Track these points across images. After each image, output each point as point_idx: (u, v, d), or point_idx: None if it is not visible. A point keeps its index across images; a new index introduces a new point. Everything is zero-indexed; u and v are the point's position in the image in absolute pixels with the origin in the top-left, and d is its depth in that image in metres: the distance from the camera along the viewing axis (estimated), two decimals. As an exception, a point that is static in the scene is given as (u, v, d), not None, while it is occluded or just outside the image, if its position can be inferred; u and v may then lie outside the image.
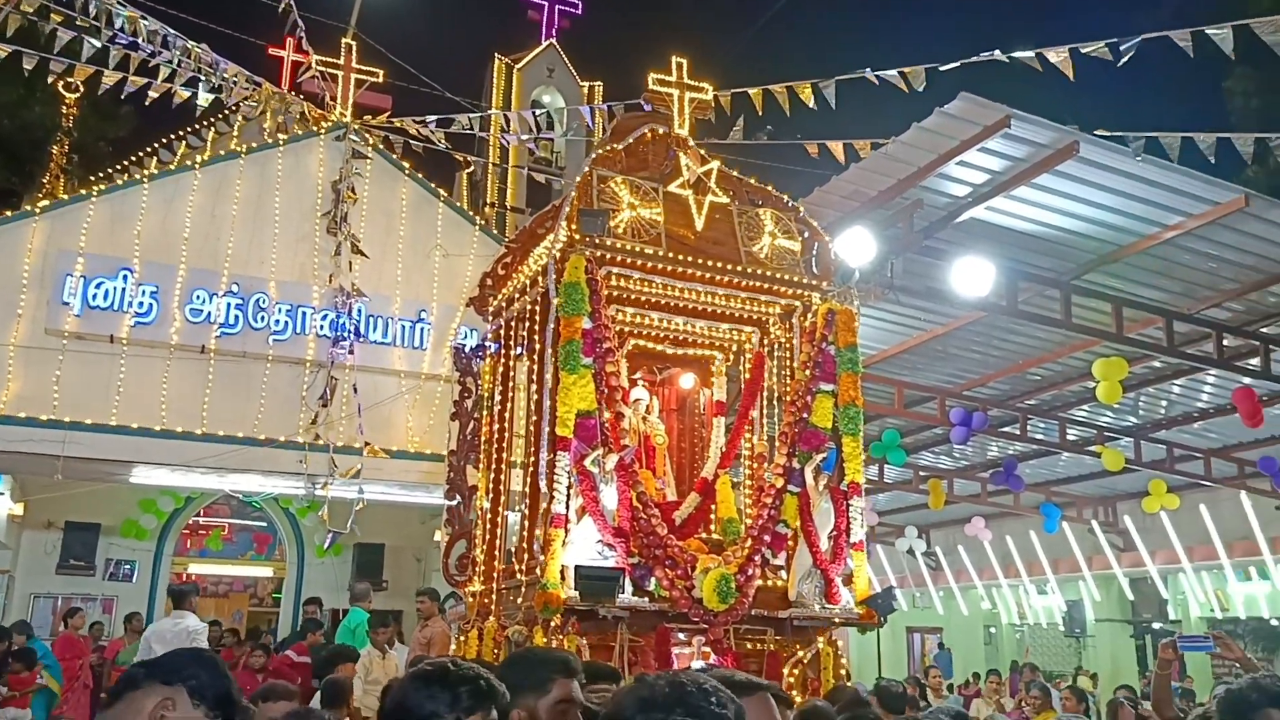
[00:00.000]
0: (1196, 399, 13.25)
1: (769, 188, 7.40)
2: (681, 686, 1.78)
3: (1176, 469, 15.08)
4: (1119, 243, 9.03)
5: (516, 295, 7.36)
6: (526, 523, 6.57)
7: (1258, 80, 13.18)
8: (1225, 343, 10.53)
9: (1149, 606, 19.04)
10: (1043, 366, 12.33)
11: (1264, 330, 10.61)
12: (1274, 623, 18.40)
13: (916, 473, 16.96)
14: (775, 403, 7.27)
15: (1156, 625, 20.02)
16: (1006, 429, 14.09)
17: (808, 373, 6.86)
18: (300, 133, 12.47)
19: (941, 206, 8.54)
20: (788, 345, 7.23)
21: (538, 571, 5.95)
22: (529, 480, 6.58)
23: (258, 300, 11.35)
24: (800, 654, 6.46)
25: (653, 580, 6.08)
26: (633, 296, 6.78)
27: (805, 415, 6.79)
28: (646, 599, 5.98)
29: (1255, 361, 10.70)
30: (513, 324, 7.37)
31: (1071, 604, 19.63)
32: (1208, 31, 6.00)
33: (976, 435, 13.65)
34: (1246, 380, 11.07)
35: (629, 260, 6.54)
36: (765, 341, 7.32)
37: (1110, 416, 14.10)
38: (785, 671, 6.38)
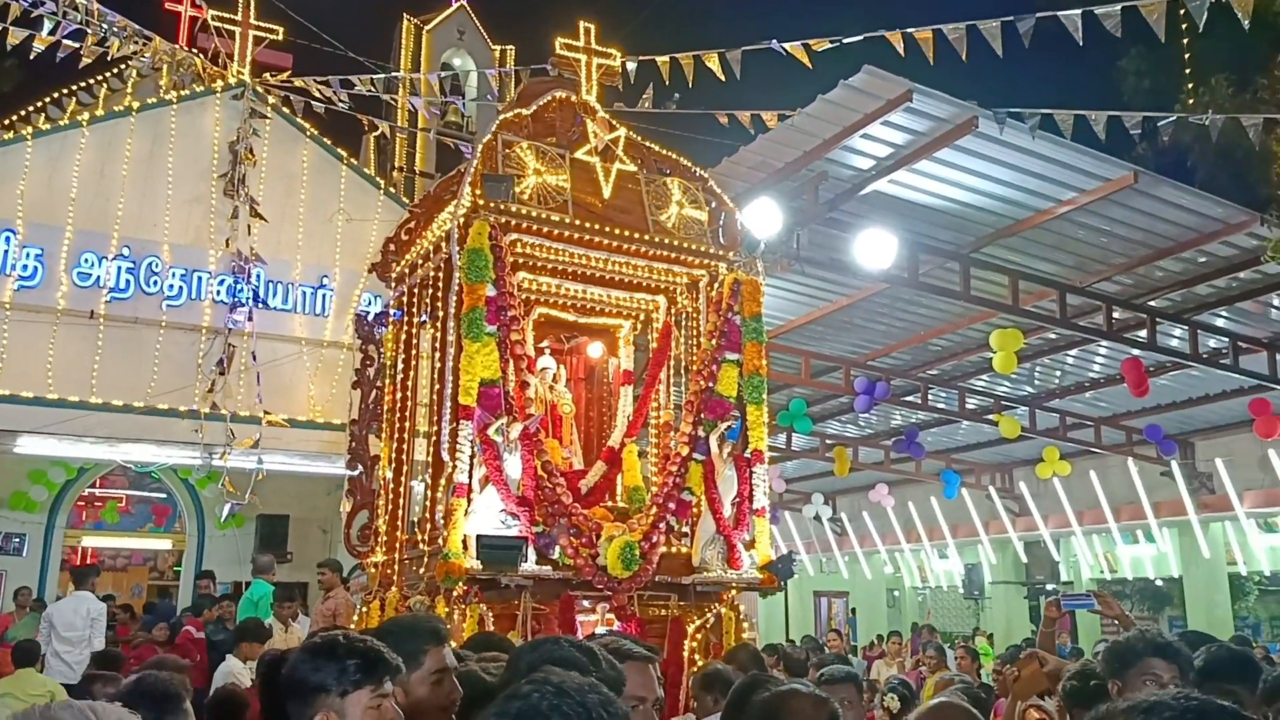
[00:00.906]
0: (1088, 369, 13.78)
1: (677, 157, 7.38)
2: (581, 648, 1.79)
3: (1069, 437, 15.69)
4: (1015, 217, 9.29)
5: (420, 261, 7.23)
6: (430, 492, 6.49)
7: (1150, 61, 13.66)
8: (1115, 315, 10.96)
9: (1042, 569, 19.81)
10: (943, 337, 12.66)
11: (1151, 303, 11.06)
12: (1158, 583, 19.31)
13: (823, 441, 17.31)
14: (682, 372, 7.30)
15: (1049, 587, 20.87)
16: (909, 398, 14.46)
17: (713, 342, 6.88)
18: (196, 90, 11.99)
19: (846, 179, 8.65)
20: (694, 314, 7.25)
21: (440, 541, 5.89)
22: (432, 450, 6.49)
23: (150, 264, 10.93)
24: (703, 619, 6.53)
25: (557, 549, 6.07)
26: (539, 264, 6.71)
27: (711, 384, 6.83)
28: (550, 567, 5.96)
29: (1142, 333, 11.16)
30: (416, 291, 7.23)
31: (970, 567, 20.31)
32: (1096, 13, 6.16)
33: (880, 404, 13.98)
34: (1135, 351, 11.55)
35: (534, 227, 6.46)
36: (672, 310, 7.32)
37: (1008, 386, 14.57)
38: (688, 636, 6.46)
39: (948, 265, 10.02)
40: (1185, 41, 8.29)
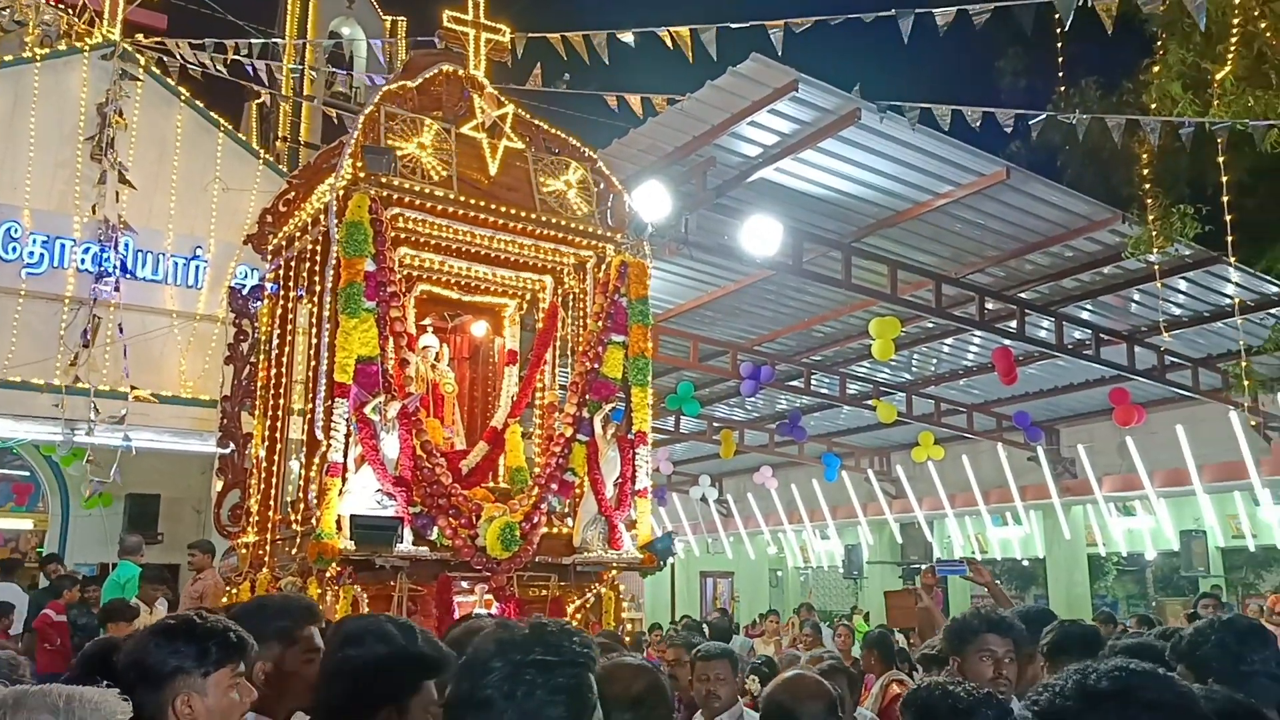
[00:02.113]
0: (963, 358, 14.31)
1: (566, 136, 7.33)
2: (542, 627, 1.78)
3: (943, 422, 16.29)
4: (895, 208, 9.55)
5: (298, 234, 7.01)
6: (304, 472, 6.33)
7: (1027, 61, 14.24)
8: (987, 306, 11.39)
9: (916, 549, 20.53)
10: (826, 324, 12.96)
11: (1021, 295, 11.54)
12: (1024, 563, 20.23)
13: (710, 424, 17.55)
14: (568, 353, 7.28)
15: (923, 566, 21.66)
16: (793, 383, 14.76)
17: (599, 324, 6.88)
18: (62, 49, 11.34)
19: (734, 165, 8.75)
20: (581, 296, 7.23)
21: (313, 522, 5.76)
22: (307, 428, 6.32)
23: (9, 229, 10.31)
24: (583, 599, 6.56)
25: (435, 529, 6.00)
26: (421, 240, 6.58)
27: (596, 366, 6.83)
28: (427, 548, 5.89)
29: (1013, 324, 11.64)
30: (293, 264, 7.01)
31: (850, 548, 20.91)
32: (969, 11, 6.36)
33: (765, 388, 14.24)
34: (1006, 341, 12.03)
35: (417, 202, 6.33)
36: (559, 291, 7.29)
37: (887, 372, 15.02)
38: (568, 615, 6.47)
39: (831, 254, 10.25)
40: (1059, 44, 8.60)
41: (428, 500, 6.00)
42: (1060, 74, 8.78)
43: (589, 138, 7.51)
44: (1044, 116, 7.08)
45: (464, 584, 6.13)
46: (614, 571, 6.69)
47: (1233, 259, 9.04)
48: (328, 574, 5.70)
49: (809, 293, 11.73)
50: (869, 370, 14.82)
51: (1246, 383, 10.14)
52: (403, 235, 6.44)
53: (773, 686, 3.06)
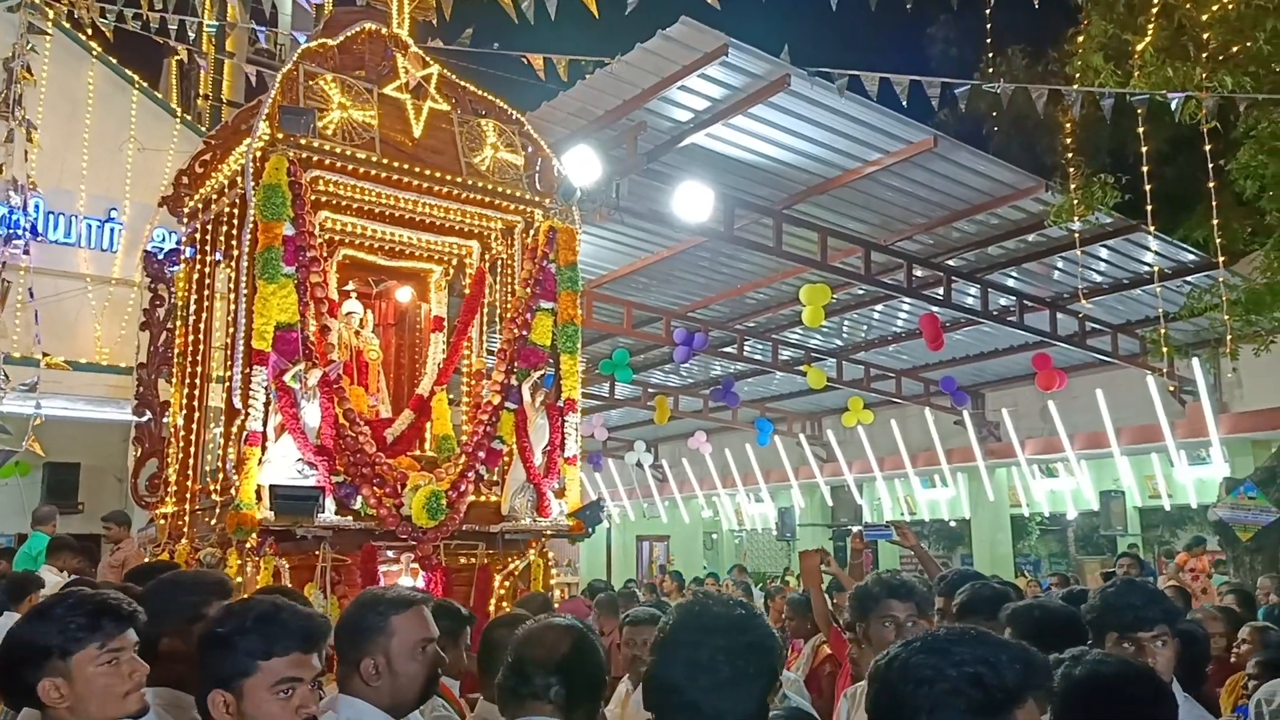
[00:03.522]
0: (892, 324, 14.51)
1: (494, 99, 7.19)
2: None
3: (872, 387, 16.55)
4: (825, 175, 9.60)
5: (215, 196, 6.79)
6: (222, 441, 6.18)
7: (956, 29, 14.36)
8: (915, 273, 11.55)
9: (846, 512, 20.90)
10: (759, 291, 13.03)
11: (948, 262, 11.71)
12: (951, 524, 20.72)
13: (645, 390, 17.59)
14: (496, 319, 7.20)
15: (853, 529, 22.06)
16: (726, 349, 14.84)
17: (528, 290, 6.80)
18: (-36, -2, 10.80)
19: (665, 130, 8.69)
20: (509, 261, 7.14)
21: (232, 492, 5.63)
22: (227, 396, 6.17)
23: (-92, 189, 9.84)
24: (511, 566, 6.54)
25: (359, 499, 5.91)
26: (343, 203, 6.43)
27: (524, 332, 6.76)
28: (351, 518, 5.81)
29: (940, 291, 11.82)
30: (210, 227, 6.79)
31: (782, 511, 21.19)
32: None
33: (699, 355, 14.30)
34: (933, 308, 12.22)
35: (339, 164, 6.17)
36: (486, 256, 7.19)
37: (819, 339, 15.18)
38: (496, 584, 6.45)
39: (762, 221, 10.27)
40: (987, 12, 8.66)
41: (351, 469, 5.90)
42: (988, 42, 8.82)
43: (517, 101, 7.38)
44: (969, 86, 7.13)
45: (389, 553, 6.06)
46: (543, 539, 6.67)
47: (1151, 227, 9.28)
48: (248, 545, 5.59)
49: (741, 259, 11.77)
50: (801, 336, 14.96)
51: (1163, 349, 10.44)
52: (323, 198, 6.28)
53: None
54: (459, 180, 6.62)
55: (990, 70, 9.37)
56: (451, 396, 7.53)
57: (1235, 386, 14.58)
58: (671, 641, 1.82)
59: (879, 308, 13.55)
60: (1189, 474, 15.29)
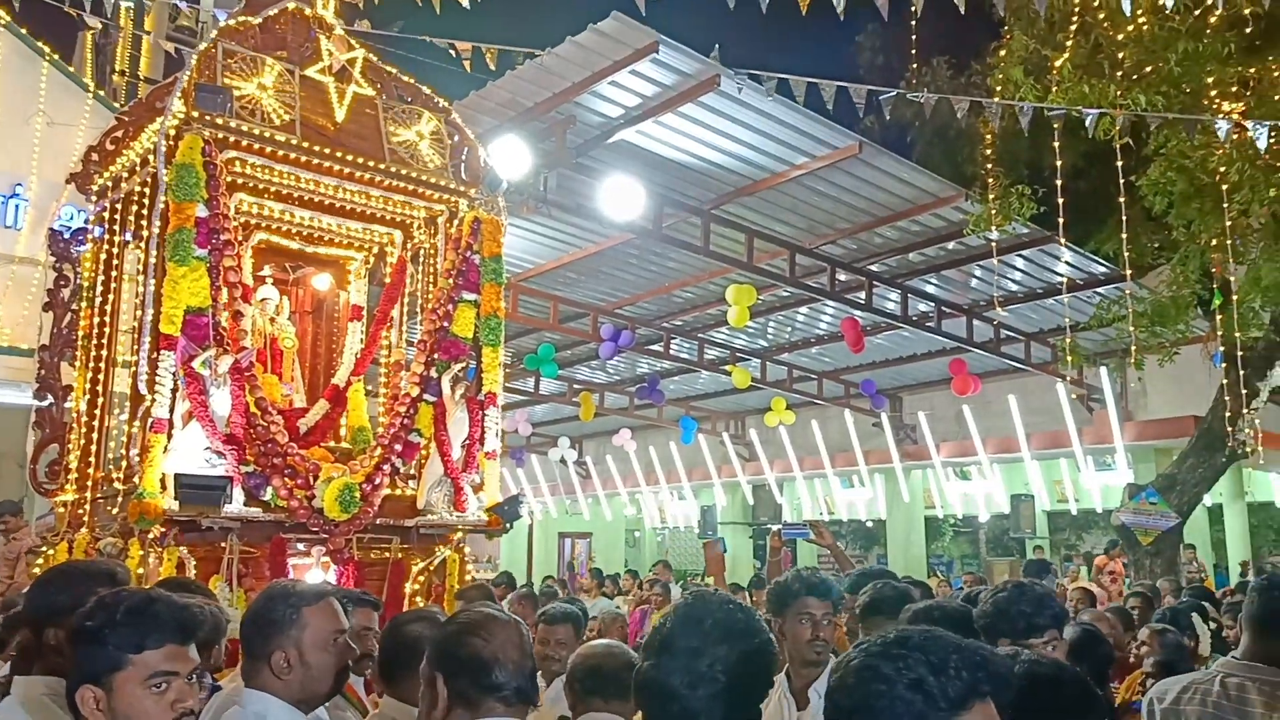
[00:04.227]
0: (816, 326, 14.70)
1: (420, 86, 7.07)
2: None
3: (795, 388, 16.76)
4: (753, 177, 9.67)
5: (125, 174, 6.55)
6: (127, 427, 5.97)
7: (884, 39, 14.60)
8: (839, 277, 11.72)
9: (767, 510, 21.14)
10: (686, 289, 13.08)
11: (870, 267, 11.91)
12: (868, 524, 21.10)
13: (570, 386, 17.54)
14: (417, 310, 7.09)
15: (773, 527, 22.32)
16: (653, 347, 14.88)
17: (450, 281, 6.70)
18: None
19: (595, 125, 8.66)
20: (432, 251, 7.03)
21: (135, 480, 5.45)
22: (132, 381, 5.96)
23: None
24: (426, 562, 6.44)
25: (269, 490, 5.76)
26: (261, 186, 6.25)
27: (446, 324, 6.65)
28: (260, 509, 5.66)
29: (862, 295, 12.01)
30: (120, 206, 6.55)
31: (705, 509, 21.32)
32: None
33: (625, 352, 14.31)
34: (855, 312, 12.42)
35: (257, 146, 5.99)
36: (408, 245, 7.07)
37: (745, 339, 15.31)
38: (410, 579, 6.35)
39: (690, 220, 10.31)
40: (914, 23, 8.81)
41: (261, 459, 5.75)
42: (914, 53, 8.98)
43: (445, 89, 7.27)
44: (895, 94, 7.24)
45: (300, 546, 5.92)
46: (459, 534, 6.59)
47: (1064, 239, 9.54)
48: (150, 535, 5.41)
49: (670, 258, 11.80)
50: (727, 336, 15.07)
51: (1072, 357, 10.75)
52: (240, 181, 6.10)
53: (577, 654, 3.12)
54: (382, 167, 6.49)
55: (915, 80, 9.54)
56: (369, 387, 7.40)
57: (1140, 396, 15.13)
58: (671, 647, 1.74)
59: (803, 310, 13.72)
60: (1095, 479, 15.81)
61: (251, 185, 6.20)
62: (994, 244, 9.64)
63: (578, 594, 12.65)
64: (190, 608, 2.14)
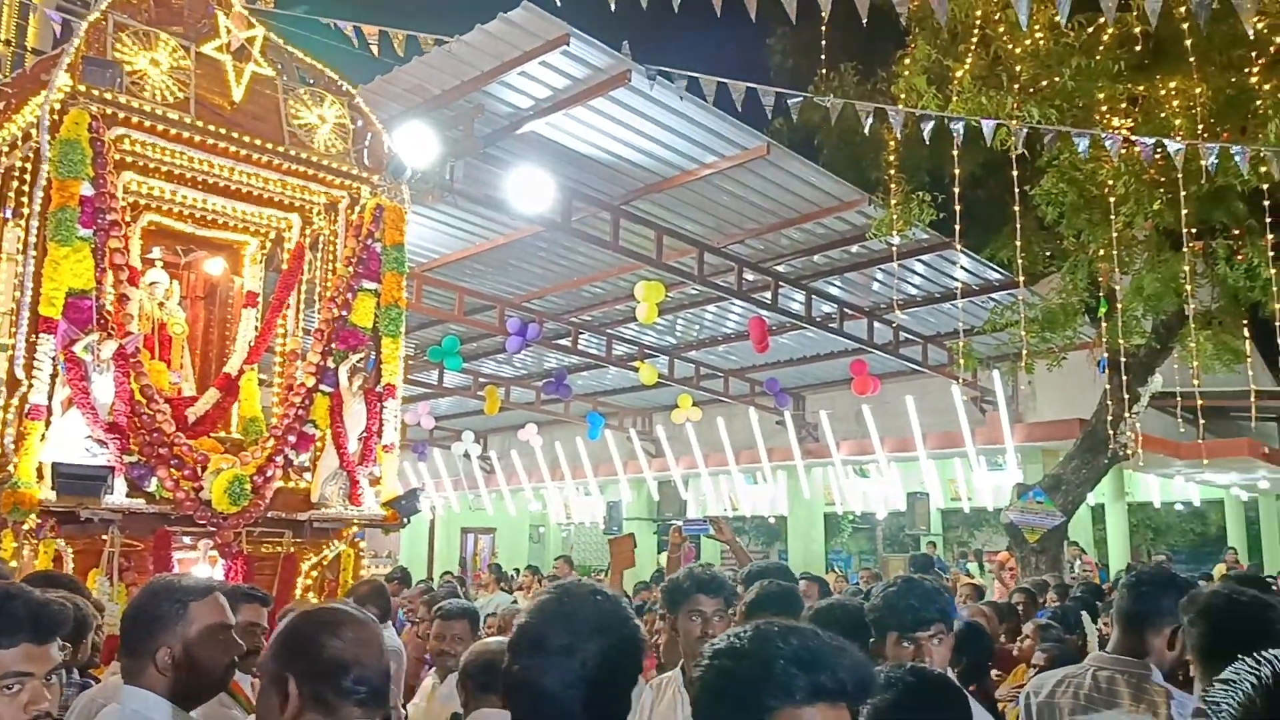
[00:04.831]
0: (724, 325, 14.85)
1: (323, 68, 6.89)
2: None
3: (702, 385, 16.89)
4: (663, 174, 9.70)
5: (6, 149, 6.23)
6: (1, 414, 5.68)
7: (795, 42, 14.80)
8: (746, 276, 11.85)
9: (672, 506, 21.29)
10: (595, 284, 13.06)
11: (776, 268, 12.07)
12: (771, 520, 21.43)
13: (476, 379, 17.36)
14: (315, 298, 6.92)
15: (677, 522, 22.48)
16: (560, 341, 14.81)
17: (350, 269, 6.56)
18: None
19: (504, 115, 8.58)
20: (331, 238, 6.86)
21: (10, 469, 5.19)
22: (9, 365, 5.68)
23: None
24: (319, 556, 6.30)
25: (154, 480, 5.56)
26: (151, 165, 6.02)
27: (344, 313, 6.51)
28: (144, 500, 5.45)
29: (768, 295, 12.17)
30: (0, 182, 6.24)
31: (611, 505, 21.36)
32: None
33: (532, 346, 14.21)
34: (761, 311, 12.57)
35: (147, 123, 5.77)
36: (307, 231, 6.89)
37: (653, 336, 15.37)
38: (303, 574, 6.21)
39: (600, 215, 10.30)
40: (823, 28, 8.93)
41: (146, 449, 5.55)
42: (823, 58, 9.12)
43: (350, 73, 7.10)
44: (802, 98, 7.34)
45: (186, 539, 5.74)
46: (354, 528, 6.46)
47: (961, 245, 9.82)
48: (25, 526, 5.17)
49: (579, 252, 11.76)
50: (636, 333, 15.10)
51: (966, 360, 11.08)
52: (129, 159, 5.87)
53: (471, 651, 3.08)
54: (280, 149, 6.31)
55: (823, 84, 9.68)
56: (263, 377, 7.19)
57: (1030, 399, 15.70)
58: (543, 645, 1.68)
59: (711, 308, 13.84)
60: (987, 479, 16.34)
61: (141, 164, 5.97)
62: (895, 248, 9.86)
63: (476, 590, 12.52)
64: (50, 604, 2.04)
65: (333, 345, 6.42)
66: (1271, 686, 1.18)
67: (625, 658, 1.72)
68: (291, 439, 6.18)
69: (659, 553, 21.65)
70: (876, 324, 13.57)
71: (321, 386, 6.34)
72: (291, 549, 6.18)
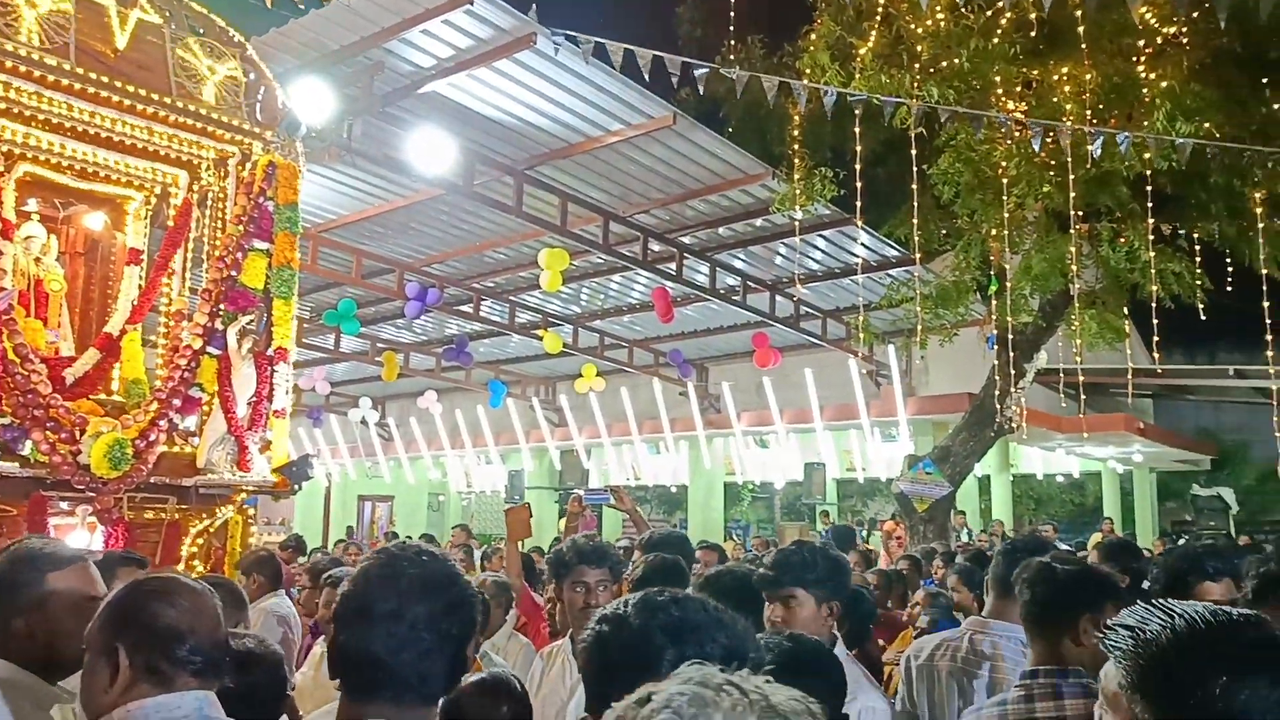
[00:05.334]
0: (629, 295, 14.85)
1: (214, 16, 6.59)
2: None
3: (606, 355, 16.90)
4: (568, 140, 9.61)
5: None
6: None
7: (703, 12, 14.81)
8: (651, 247, 11.86)
9: (574, 476, 21.29)
10: (498, 250, 12.91)
11: (682, 239, 12.11)
12: (672, 489, 21.64)
13: (374, 344, 17.02)
14: (203, 257, 6.66)
15: (578, 491, 22.53)
16: (462, 307, 14.62)
17: (240, 228, 6.32)
18: None
19: (404, 74, 8.36)
20: (221, 195, 6.59)
21: None
22: None
23: None
24: (205, 523, 6.11)
25: (28, 443, 5.30)
26: (26, 114, 5.67)
27: (234, 273, 6.28)
28: (17, 464, 5.20)
29: (673, 266, 12.21)
30: None
31: (513, 473, 21.27)
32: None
33: (433, 311, 13.99)
34: (666, 282, 12.61)
35: (22, 69, 5.44)
36: (195, 187, 6.60)
37: (558, 304, 15.29)
38: (188, 541, 6.01)
39: (504, 179, 10.16)
40: (732, 1, 8.94)
41: (20, 411, 5.28)
42: (731, 29, 9.12)
43: (243, 24, 6.81)
44: (709, 68, 7.33)
45: (63, 504, 5.50)
46: (242, 495, 6.28)
47: (861, 222, 9.99)
48: (-119, 492, 4.88)
49: (482, 217, 11.59)
50: (540, 300, 15.00)
51: (864, 335, 11.33)
52: (2, 106, 5.52)
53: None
54: (167, 101, 6.02)
55: (731, 56, 9.71)
56: (148, 338, 6.91)
57: (922, 373, 16.17)
58: (368, 613, 1.64)
59: (616, 278, 13.82)
60: (881, 450, 16.79)
61: (16, 112, 5.62)
62: (797, 224, 9.99)
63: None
64: None
65: (221, 306, 6.19)
66: (1180, 631, 1.25)
67: (455, 618, 1.67)
68: (176, 402, 5.95)
69: (560, 520, 21.68)
70: (778, 298, 13.76)
71: (209, 349, 6.12)
72: (176, 516, 5.97)
